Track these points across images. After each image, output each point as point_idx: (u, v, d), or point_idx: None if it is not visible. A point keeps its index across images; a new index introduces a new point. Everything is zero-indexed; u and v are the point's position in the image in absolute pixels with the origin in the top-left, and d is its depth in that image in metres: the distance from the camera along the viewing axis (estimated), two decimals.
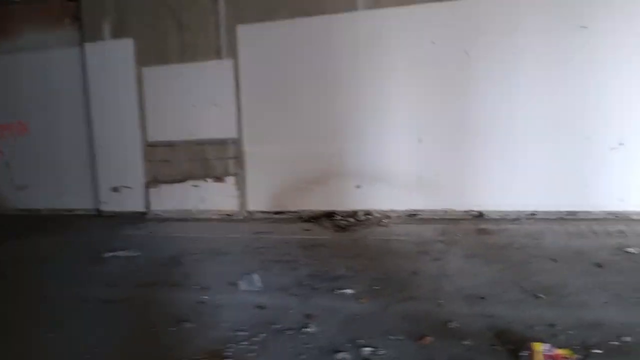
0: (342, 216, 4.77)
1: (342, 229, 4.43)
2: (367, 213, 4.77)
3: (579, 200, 4.30)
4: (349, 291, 2.86)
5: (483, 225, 4.21)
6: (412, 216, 4.70)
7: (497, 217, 4.46)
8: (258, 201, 5.15)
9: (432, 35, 4.49)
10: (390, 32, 4.57)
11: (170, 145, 5.29)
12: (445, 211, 4.62)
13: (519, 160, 4.39)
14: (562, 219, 4.30)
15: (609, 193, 4.23)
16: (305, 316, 2.56)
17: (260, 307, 2.70)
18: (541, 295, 2.66)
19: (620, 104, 4.14)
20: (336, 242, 3.97)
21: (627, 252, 3.30)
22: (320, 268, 3.29)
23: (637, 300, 2.54)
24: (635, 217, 4.17)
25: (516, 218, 4.41)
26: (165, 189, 5.35)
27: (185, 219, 5.22)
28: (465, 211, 4.57)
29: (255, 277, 3.11)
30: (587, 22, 4.16)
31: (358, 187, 4.82)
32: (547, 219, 4.32)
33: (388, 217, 4.73)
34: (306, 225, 4.60)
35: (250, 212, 5.16)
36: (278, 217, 5.04)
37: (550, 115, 4.29)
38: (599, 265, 3.06)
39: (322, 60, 4.77)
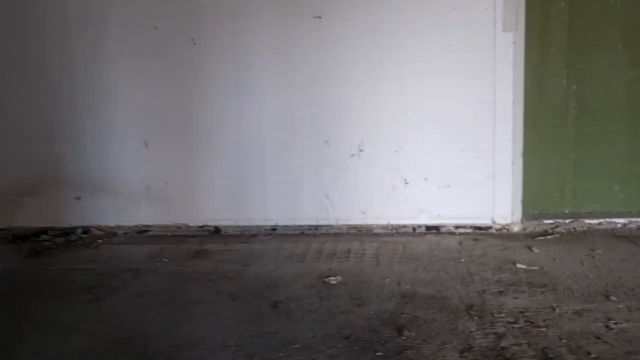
0: (53, 235, 3.83)
1: (37, 253, 3.50)
2: (86, 231, 3.87)
3: (321, 213, 3.75)
4: None
5: (209, 245, 3.53)
6: (141, 233, 3.91)
7: (235, 232, 3.81)
8: None
9: (154, 18, 3.69)
10: (106, 10, 3.70)
11: None
12: (179, 227, 3.89)
13: (256, 168, 3.75)
14: (303, 234, 3.74)
15: (351, 205, 3.73)
16: None
17: None
18: None
19: (360, 103, 3.63)
20: (5, 275, 3.06)
21: (327, 282, 2.72)
22: None
23: None
24: (377, 230, 3.71)
25: (255, 234, 3.79)
26: None
27: None
28: (200, 226, 3.87)
29: None
30: (322, 11, 3.55)
31: (78, 199, 3.93)
32: (287, 234, 3.75)
33: (115, 234, 3.89)
34: (3, 248, 3.62)
35: None
36: None
37: (286, 116, 3.72)
38: (275, 306, 2.44)
39: (29, 42, 3.80)
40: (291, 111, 3.72)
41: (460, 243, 3.41)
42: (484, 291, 2.57)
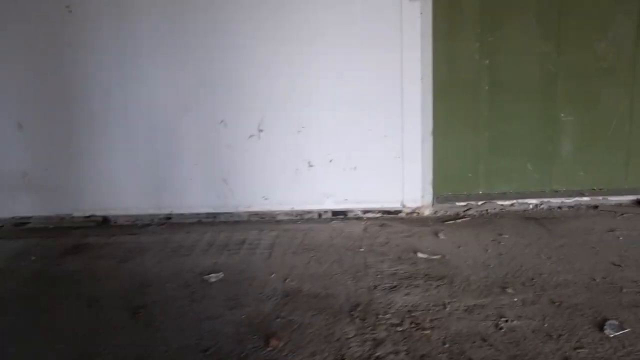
0: None
1: None
2: None
3: (219, 200, 3.41)
4: None
5: (91, 238, 3.19)
6: (19, 225, 3.50)
7: (126, 223, 3.43)
8: None
9: None
10: None
11: None
12: (62, 217, 3.47)
13: (146, 152, 3.39)
14: (200, 222, 3.40)
15: (252, 190, 3.41)
16: None
17: None
18: None
19: (258, 80, 3.29)
20: None
21: (206, 280, 2.41)
22: None
23: None
24: (281, 217, 3.40)
25: (148, 224, 3.43)
26: None
27: None
28: (86, 217, 3.48)
29: None
30: None
31: None
32: (183, 223, 3.40)
33: None
34: None
35: None
36: None
37: (178, 94, 3.37)
38: (137, 312, 2.11)
39: None
40: (183, 88, 3.35)
41: (365, 230, 3.16)
42: (375, 287, 2.32)
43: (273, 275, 2.52)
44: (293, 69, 3.29)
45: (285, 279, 2.46)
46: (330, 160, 3.41)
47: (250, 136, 3.39)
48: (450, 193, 3.63)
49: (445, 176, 3.58)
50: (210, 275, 2.53)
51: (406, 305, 2.15)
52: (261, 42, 3.27)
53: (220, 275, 2.53)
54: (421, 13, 3.24)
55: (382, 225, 3.27)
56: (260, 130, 3.38)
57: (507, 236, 2.97)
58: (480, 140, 3.59)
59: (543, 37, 3.45)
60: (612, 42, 3.46)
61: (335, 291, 2.32)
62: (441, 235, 3.01)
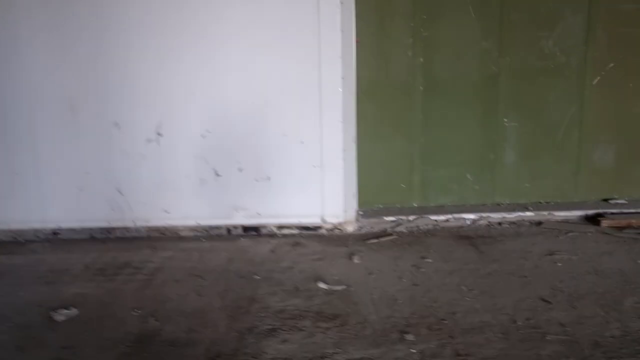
0: None
1: None
2: None
3: (114, 213, 2.96)
4: None
5: None
6: None
7: (6, 238, 2.98)
8: None
9: None
10: None
11: None
12: None
13: (27, 157, 2.93)
14: (92, 238, 2.95)
15: (151, 202, 2.95)
16: None
17: None
18: None
19: (157, 77, 2.83)
20: None
21: (53, 319, 1.93)
22: None
23: None
24: (185, 233, 2.96)
25: (32, 239, 3.02)
26: None
27: None
28: None
29: None
30: None
31: None
32: (74, 239, 2.97)
33: None
34: None
35: None
36: None
37: (63, 90, 2.90)
38: None
39: None
40: (70, 84, 2.91)
41: (273, 250, 2.72)
42: (250, 330, 1.89)
43: (138, 311, 2.06)
44: (195, 64, 2.84)
45: (149, 318, 2.02)
46: (240, 169, 2.96)
47: (148, 141, 2.93)
48: (381, 206, 3.20)
49: (375, 187, 3.16)
50: (62, 311, 2.06)
51: (277, 358, 1.69)
52: (157, 34, 2.81)
53: (74, 312, 2.07)
54: (342, 2, 2.78)
55: (295, 244, 2.84)
56: (159, 135, 2.92)
57: (430, 260, 2.55)
58: (415, 148, 3.18)
59: (484, 33, 3.06)
60: (560, 40, 3.05)
61: (200, 336, 1.87)
62: (356, 259, 2.59)
